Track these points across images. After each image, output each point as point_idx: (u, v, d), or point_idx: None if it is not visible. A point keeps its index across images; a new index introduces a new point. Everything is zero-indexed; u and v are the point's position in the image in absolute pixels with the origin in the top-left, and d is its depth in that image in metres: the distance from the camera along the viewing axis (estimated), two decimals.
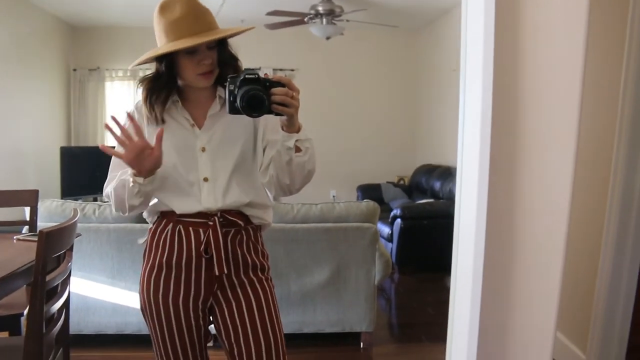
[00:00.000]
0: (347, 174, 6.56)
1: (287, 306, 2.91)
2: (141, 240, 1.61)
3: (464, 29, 1.27)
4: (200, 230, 1.48)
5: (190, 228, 1.48)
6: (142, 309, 1.55)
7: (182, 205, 1.49)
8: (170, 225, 1.51)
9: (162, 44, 1.44)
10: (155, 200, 1.54)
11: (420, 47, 6.74)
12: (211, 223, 1.48)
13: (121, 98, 6.57)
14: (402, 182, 6.52)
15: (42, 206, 2.99)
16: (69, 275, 1.76)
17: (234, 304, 1.51)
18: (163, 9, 1.43)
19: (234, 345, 1.50)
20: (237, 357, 1.50)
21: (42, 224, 2.91)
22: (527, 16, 1.24)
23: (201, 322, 1.54)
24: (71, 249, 1.76)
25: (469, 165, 1.29)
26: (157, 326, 1.52)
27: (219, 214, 1.49)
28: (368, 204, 3.14)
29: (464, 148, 1.35)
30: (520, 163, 1.29)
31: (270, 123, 1.50)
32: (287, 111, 1.35)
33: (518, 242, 1.33)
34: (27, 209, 2.79)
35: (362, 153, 6.74)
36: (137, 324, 3.05)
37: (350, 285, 3.04)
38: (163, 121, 1.49)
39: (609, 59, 2.60)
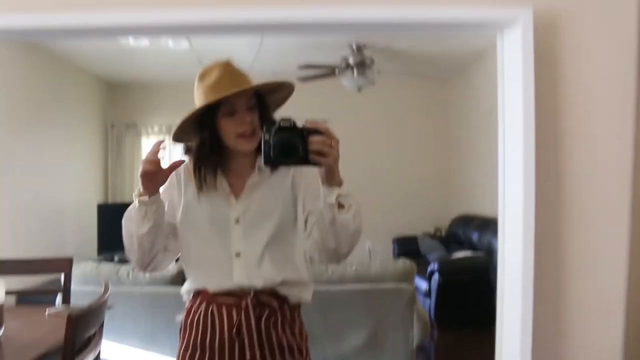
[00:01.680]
0: (382, 225, 6.45)
1: None
2: (179, 318, 1.57)
3: (501, 74, 1.21)
4: (233, 312, 1.43)
5: (224, 308, 1.43)
6: None
7: (214, 281, 1.45)
8: (204, 304, 1.46)
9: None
10: (189, 277, 1.51)
11: (453, 94, 6.70)
12: (243, 305, 1.42)
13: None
14: (439, 232, 6.38)
15: (77, 269, 2.99)
16: (99, 354, 1.72)
17: None
18: (202, 76, 1.45)
19: None
20: None
21: (77, 288, 2.92)
22: (567, 57, 1.17)
23: None
24: (102, 326, 1.72)
25: (512, 219, 1.21)
26: None
27: (251, 294, 1.43)
28: (405, 264, 3.05)
29: (506, 200, 1.27)
30: (567, 214, 1.21)
31: (310, 192, 1.45)
32: (325, 161, 1.28)
33: (568, 300, 1.24)
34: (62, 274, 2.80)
35: (397, 203, 6.65)
36: None
37: (388, 348, 2.94)
38: (202, 189, 1.46)
39: None
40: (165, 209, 1.46)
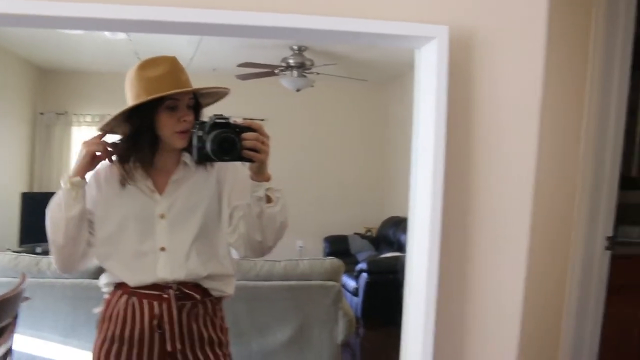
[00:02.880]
0: (314, 224, 6.52)
1: None
2: (96, 310, 1.54)
3: (417, 87, 1.27)
4: (155, 303, 1.43)
5: (144, 300, 1.43)
6: None
7: (134, 277, 1.44)
8: (124, 297, 1.45)
9: (140, 100, 1.41)
10: (106, 270, 1.49)
11: (388, 100, 6.86)
12: (166, 296, 1.42)
13: None
14: (369, 233, 6.51)
15: None
16: (11, 348, 1.68)
17: None
18: (144, 67, 1.43)
19: None
20: None
21: None
22: (480, 73, 1.24)
23: None
24: (15, 317, 1.68)
25: (420, 224, 1.27)
26: None
27: (174, 287, 1.43)
28: (332, 262, 3.11)
29: (416, 205, 1.32)
30: (474, 219, 1.29)
31: (237, 188, 1.47)
32: (258, 157, 1.31)
33: (472, 298, 1.31)
34: None
35: (329, 203, 6.74)
36: None
37: (313, 344, 2.98)
38: (124, 185, 1.45)
39: (569, 102, 2.65)
40: (89, 203, 1.45)
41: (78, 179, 1.37)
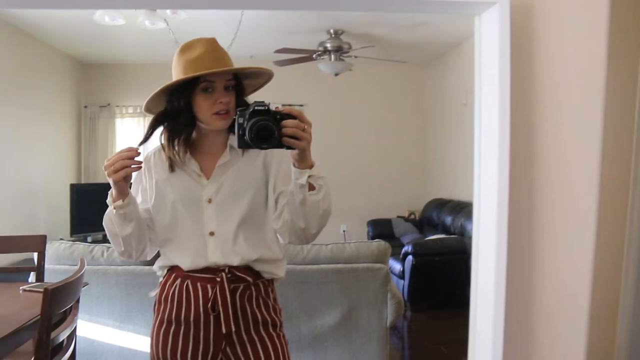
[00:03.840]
0: (357, 209, 6.51)
1: (298, 349, 2.84)
2: (152, 294, 1.57)
3: (478, 62, 1.24)
4: (208, 286, 1.45)
5: (198, 283, 1.46)
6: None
7: (187, 261, 1.46)
8: (179, 280, 1.48)
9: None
10: (162, 254, 1.52)
11: (429, 81, 6.76)
12: (218, 279, 1.44)
13: (131, 134, 6.61)
14: (412, 216, 6.46)
15: (50, 248, 2.97)
16: (75, 329, 1.72)
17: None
18: (184, 49, 1.45)
19: None
20: None
21: (50, 267, 2.90)
22: (542, 45, 1.20)
23: None
24: (77, 301, 1.72)
25: (487, 202, 1.24)
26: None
27: (226, 270, 1.45)
28: (379, 244, 3.09)
29: (481, 185, 1.30)
30: (539, 197, 1.25)
31: (281, 174, 1.47)
32: (299, 144, 1.30)
33: (539, 279, 1.28)
34: (35, 253, 2.78)
35: (372, 187, 6.71)
36: None
37: (362, 327, 2.98)
38: (173, 169, 1.47)
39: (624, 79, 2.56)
40: (139, 193, 1.50)
41: (121, 202, 1.38)
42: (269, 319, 1.50)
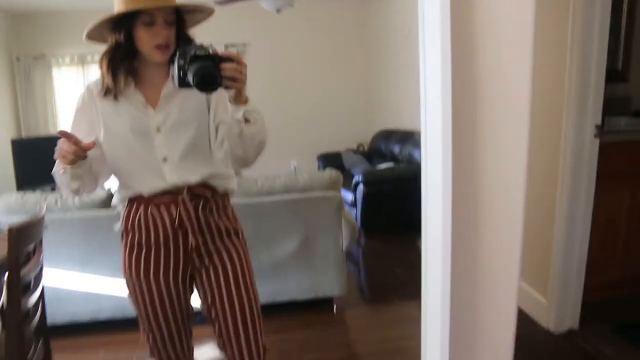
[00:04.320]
0: (306, 144, 6.60)
1: (259, 278, 2.87)
2: (117, 226, 1.63)
3: None
4: (172, 207, 1.54)
5: (162, 206, 1.54)
6: (128, 289, 1.62)
7: (148, 185, 1.54)
8: (142, 207, 1.55)
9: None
10: (120, 188, 1.59)
11: (373, 14, 6.76)
12: (180, 199, 1.53)
13: (70, 84, 6.38)
14: (361, 148, 6.60)
15: (0, 201, 2.95)
16: (42, 268, 1.76)
17: (211, 270, 1.59)
18: None
19: (212, 309, 1.60)
20: (215, 320, 1.60)
21: (2, 220, 2.88)
22: None
23: (182, 294, 1.61)
24: (41, 242, 1.76)
25: (433, 129, 1.34)
26: (142, 302, 1.59)
27: (185, 190, 1.54)
28: (331, 173, 3.20)
29: (427, 112, 1.38)
30: (480, 123, 1.35)
31: (221, 104, 1.54)
32: (236, 85, 1.39)
33: (482, 196, 1.40)
34: None
35: (320, 122, 6.79)
36: (111, 309, 3.06)
37: (319, 252, 3.12)
38: (116, 97, 1.51)
39: (556, 14, 2.69)
40: (86, 127, 1.54)
41: (68, 167, 1.44)
42: (230, 228, 1.62)
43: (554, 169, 2.74)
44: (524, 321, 2.98)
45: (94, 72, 6.33)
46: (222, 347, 1.64)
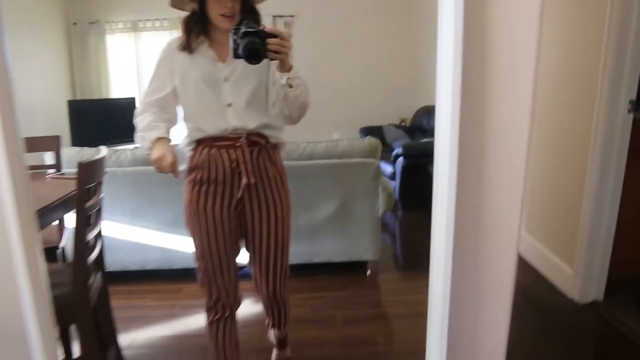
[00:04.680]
0: (349, 117, 6.69)
1: (297, 239, 3.10)
2: (182, 167, 1.83)
3: None
4: (231, 151, 1.80)
5: (223, 150, 1.81)
6: (187, 219, 1.87)
7: (213, 126, 1.80)
8: (206, 149, 1.82)
9: None
10: (189, 132, 1.87)
11: None
12: (238, 144, 1.80)
13: (123, 51, 6.62)
14: (403, 123, 6.64)
15: (63, 153, 3.15)
16: (100, 208, 1.94)
17: (256, 207, 1.87)
18: None
19: (252, 236, 1.91)
20: (251, 251, 1.94)
21: (64, 170, 3.09)
22: None
23: (232, 226, 1.87)
24: (101, 183, 1.93)
25: (444, 79, 1.42)
26: (199, 231, 1.85)
27: (244, 136, 1.80)
28: (370, 141, 3.29)
29: (440, 61, 1.47)
30: (488, 72, 1.41)
31: (275, 70, 1.79)
32: (280, 57, 1.66)
33: (487, 145, 1.45)
34: (46, 156, 2.96)
35: (363, 96, 6.84)
36: (158, 260, 3.27)
37: (355, 217, 3.24)
38: (192, 52, 1.80)
39: None
40: (166, 74, 1.83)
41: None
42: (277, 175, 1.89)
43: (586, 142, 2.76)
44: (550, 291, 3.04)
45: (145, 39, 6.56)
46: (253, 273, 1.99)
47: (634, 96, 2.64)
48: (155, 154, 1.68)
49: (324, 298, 3.04)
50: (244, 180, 1.80)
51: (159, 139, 1.73)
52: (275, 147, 1.91)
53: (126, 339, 2.60)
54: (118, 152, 3.20)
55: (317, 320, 2.79)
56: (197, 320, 2.77)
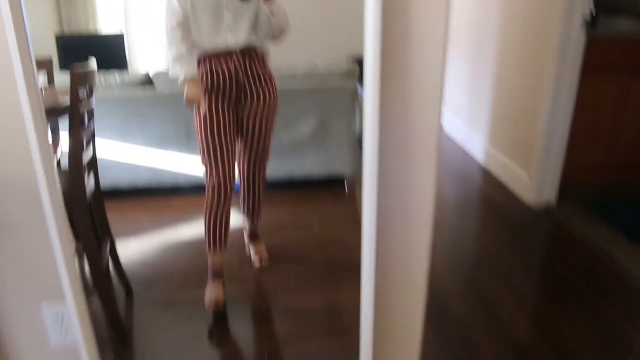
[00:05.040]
0: (336, 45, 6.76)
1: (280, 155, 3.30)
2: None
3: None
4: (229, 60, 2.28)
5: (222, 60, 2.28)
6: (196, 119, 2.31)
7: (215, 44, 2.27)
8: (208, 62, 2.29)
9: None
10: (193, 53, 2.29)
11: None
12: (234, 55, 2.28)
13: None
14: None
15: (56, 79, 3.30)
16: (93, 112, 2.13)
17: (249, 101, 2.35)
18: None
19: (243, 128, 2.42)
20: (244, 135, 2.45)
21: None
22: None
23: (232, 118, 2.35)
24: (92, 91, 2.11)
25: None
26: (204, 122, 2.28)
27: (238, 50, 2.28)
28: (349, 65, 3.45)
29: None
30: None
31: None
32: None
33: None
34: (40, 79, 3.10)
35: (352, 24, 6.90)
36: (148, 178, 3.48)
37: (334, 135, 3.44)
38: None
39: None
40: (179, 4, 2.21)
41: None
42: (267, 77, 2.39)
43: (544, 58, 2.93)
44: (508, 196, 3.29)
45: None
46: (241, 158, 2.53)
47: (587, 14, 2.80)
48: (188, 93, 2.18)
49: (304, 209, 3.27)
50: (241, 82, 2.29)
51: (190, 78, 2.19)
52: (263, 55, 2.38)
53: (118, 248, 2.84)
54: (107, 75, 3.35)
55: (295, 226, 3.03)
56: (186, 230, 3.01)
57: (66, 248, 1.44)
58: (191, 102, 2.20)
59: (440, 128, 1.59)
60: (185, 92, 2.19)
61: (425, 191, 1.65)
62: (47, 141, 1.44)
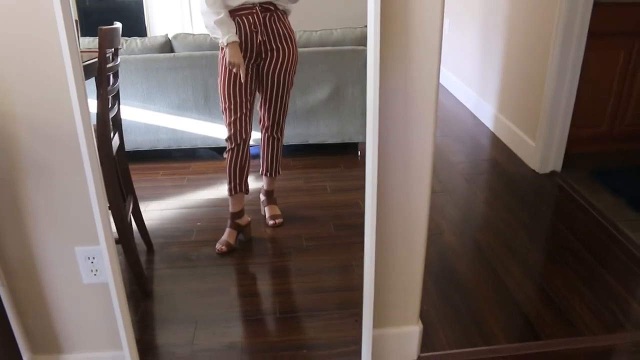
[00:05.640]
0: (351, 16, 6.79)
1: (295, 120, 3.40)
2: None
3: None
4: (249, 16, 2.44)
5: (243, 16, 2.44)
6: (219, 73, 2.55)
7: (237, 2, 2.40)
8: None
9: None
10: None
11: None
12: (254, 11, 2.44)
13: None
14: None
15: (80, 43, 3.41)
16: (117, 72, 2.24)
17: (269, 56, 2.54)
18: None
19: (263, 82, 2.62)
20: (263, 89, 2.65)
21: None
22: None
23: (252, 73, 2.56)
24: (117, 51, 2.22)
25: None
26: (227, 76, 2.50)
27: (258, 5, 2.43)
28: (362, 30, 3.49)
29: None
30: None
31: None
32: None
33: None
34: None
35: None
36: (168, 141, 3.59)
37: (348, 101, 3.51)
38: None
39: None
40: None
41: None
42: (287, 34, 2.57)
43: (550, 25, 2.97)
44: (515, 162, 3.37)
45: None
46: (261, 112, 2.73)
47: None
48: (229, 57, 2.40)
49: (317, 173, 3.38)
50: (260, 38, 2.45)
51: (232, 41, 2.37)
52: (284, 12, 2.52)
53: (140, 207, 2.98)
54: (129, 41, 3.45)
55: (308, 189, 3.15)
56: (205, 192, 3.14)
57: (100, 193, 1.56)
58: (233, 65, 2.40)
59: (438, 84, 1.69)
60: (227, 55, 2.38)
61: (424, 144, 1.77)
62: (84, 89, 1.55)
